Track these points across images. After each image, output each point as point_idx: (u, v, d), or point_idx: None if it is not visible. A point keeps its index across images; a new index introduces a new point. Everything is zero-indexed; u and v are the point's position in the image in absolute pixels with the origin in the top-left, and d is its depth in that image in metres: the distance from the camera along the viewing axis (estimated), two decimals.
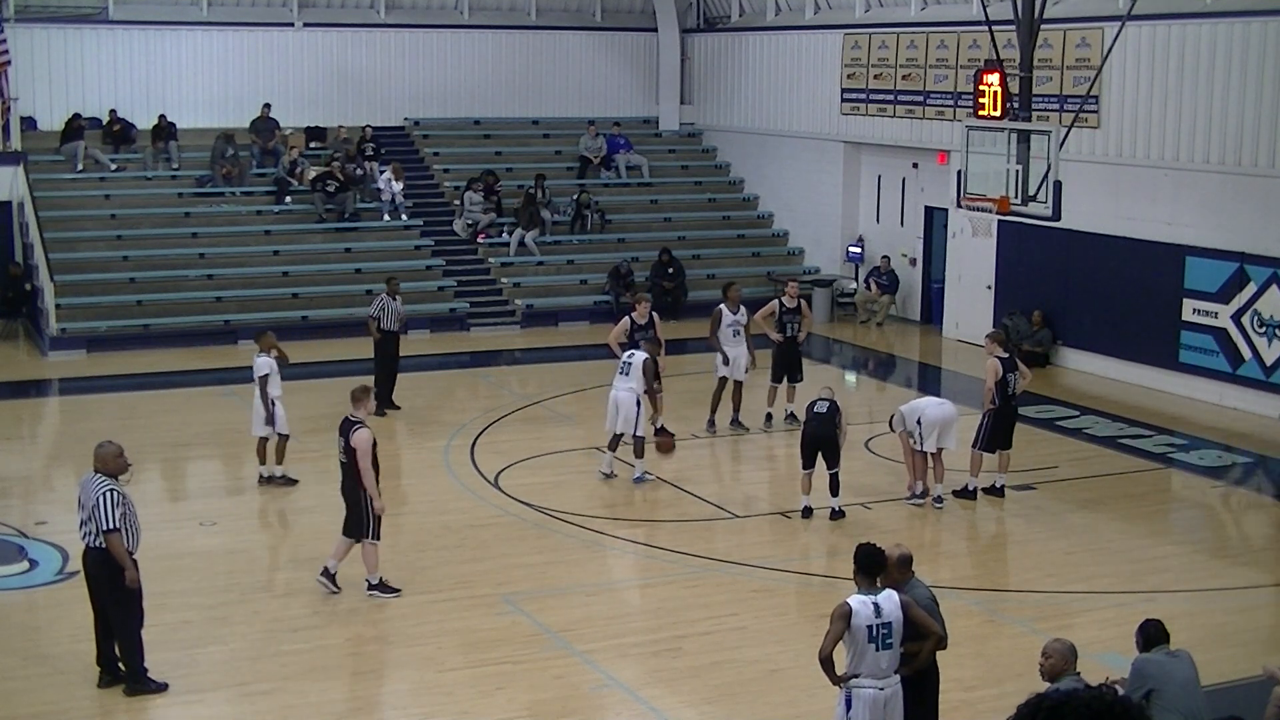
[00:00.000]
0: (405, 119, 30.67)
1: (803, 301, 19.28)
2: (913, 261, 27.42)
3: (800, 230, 29.71)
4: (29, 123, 27.17)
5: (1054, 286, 23.30)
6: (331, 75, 29.97)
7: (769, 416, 19.25)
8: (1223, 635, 12.35)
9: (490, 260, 27.91)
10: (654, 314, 18.37)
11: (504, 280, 27.49)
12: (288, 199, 27.62)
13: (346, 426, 12.93)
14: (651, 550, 14.69)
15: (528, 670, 11.65)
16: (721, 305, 18.97)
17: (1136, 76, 21.73)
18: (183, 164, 27.79)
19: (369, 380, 19.94)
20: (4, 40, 25.49)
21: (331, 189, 27.39)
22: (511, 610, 12.88)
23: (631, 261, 27.58)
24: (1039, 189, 17.18)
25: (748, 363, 18.85)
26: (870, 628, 8.77)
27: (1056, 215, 17.26)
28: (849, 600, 8.87)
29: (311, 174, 27.75)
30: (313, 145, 29.05)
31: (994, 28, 19.24)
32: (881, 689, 8.86)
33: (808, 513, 15.45)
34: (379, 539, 13.07)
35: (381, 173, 28.19)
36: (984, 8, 19.91)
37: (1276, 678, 9.42)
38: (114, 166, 27.37)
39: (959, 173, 18.50)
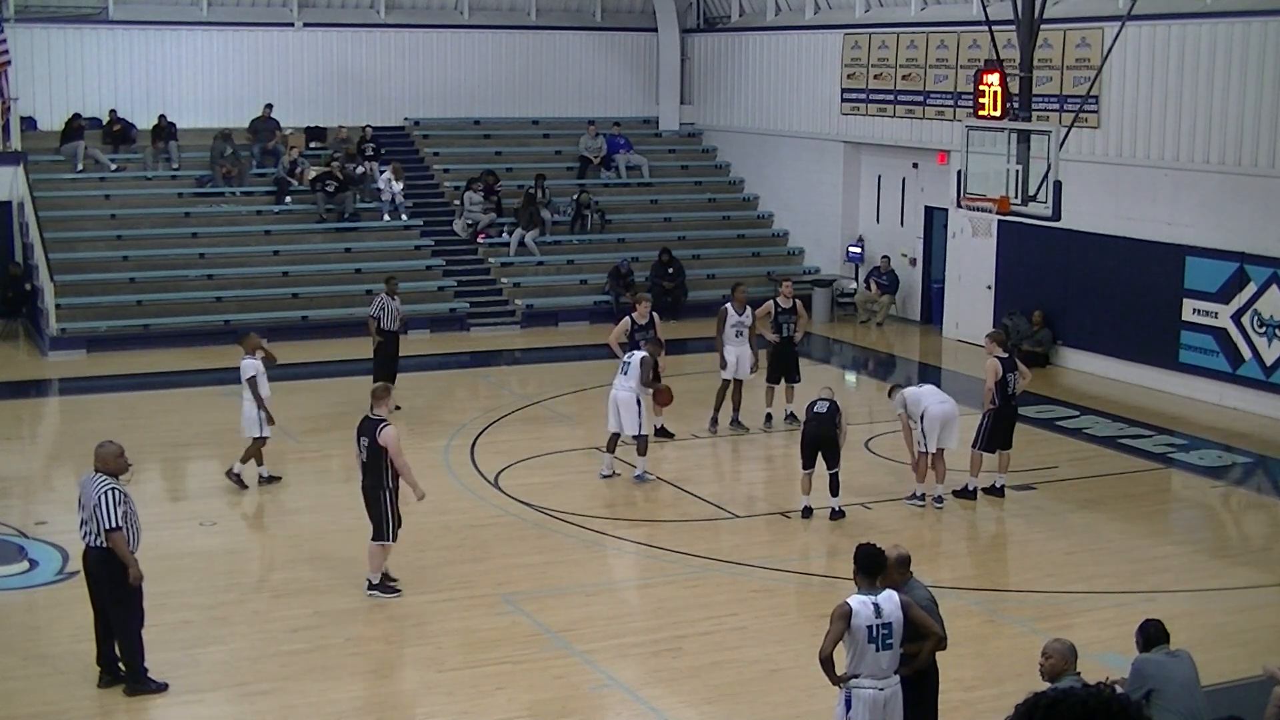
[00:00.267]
0: (405, 119, 30.68)
1: (798, 302, 19.27)
2: (913, 261, 27.42)
3: (800, 230, 29.71)
4: (29, 123, 27.18)
5: (1054, 286, 23.30)
6: (331, 75, 29.97)
7: (769, 417, 19.25)
8: (1223, 635, 12.35)
9: (490, 260, 27.91)
10: (654, 314, 18.37)
11: (504, 280, 27.50)
12: (288, 199, 27.62)
13: (370, 426, 12.89)
14: (651, 550, 14.69)
15: (528, 670, 11.65)
16: (728, 305, 18.96)
17: (1136, 76, 21.73)
18: (183, 164, 27.80)
19: (368, 380, 20.03)
20: (4, 40, 25.50)
21: (331, 189, 27.40)
22: (511, 610, 12.88)
23: (631, 261, 27.59)
24: (1039, 189, 17.17)
25: (751, 363, 18.86)
26: (870, 628, 8.77)
27: (1056, 215, 17.25)
28: (849, 600, 8.87)
29: (311, 174, 27.76)
30: (313, 145, 29.06)
31: (994, 28, 19.24)
32: (881, 689, 8.86)
33: (808, 513, 15.45)
34: (394, 541, 13.06)
35: (381, 173, 28.19)
36: (984, 8, 19.91)
37: (1276, 678, 9.42)
38: (114, 166, 27.37)
39: (959, 173, 18.50)
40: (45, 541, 14.53)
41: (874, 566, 9.01)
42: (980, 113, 18.28)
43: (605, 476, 16.89)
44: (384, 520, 12.95)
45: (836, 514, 15.39)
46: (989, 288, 24.62)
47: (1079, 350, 23.07)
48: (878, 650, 8.81)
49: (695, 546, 14.66)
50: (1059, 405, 20.66)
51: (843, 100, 27.96)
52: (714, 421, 18.97)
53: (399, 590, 13.21)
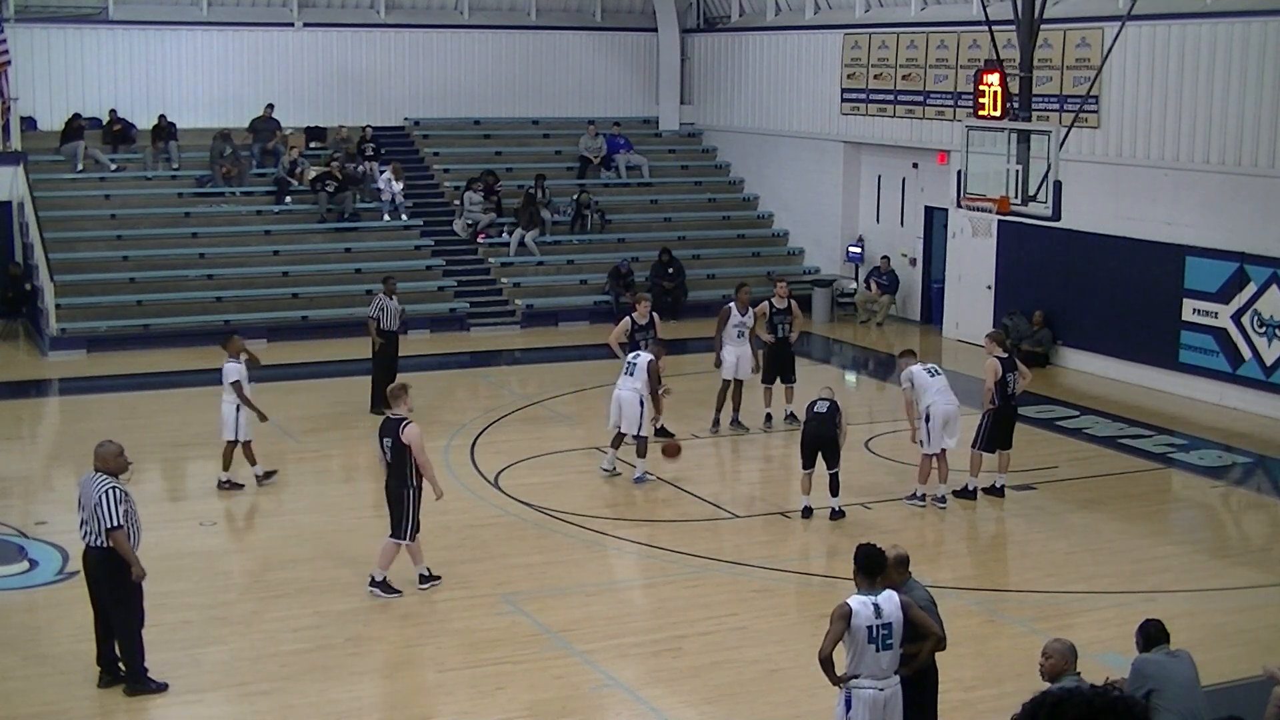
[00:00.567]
0: (405, 119, 30.68)
1: (793, 302, 19.26)
2: (913, 261, 27.42)
3: (800, 230, 29.71)
4: (29, 123, 27.18)
5: (1054, 286, 23.30)
6: (331, 75, 29.97)
7: (768, 417, 19.25)
8: (1223, 635, 12.35)
9: (490, 260, 27.92)
10: (654, 314, 18.36)
11: (504, 280, 27.50)
12: (288, 199, 27.63)
13: (392, 426, 12.91)
14: (651, 550, 14.69)
15: (528, 670, 11.65)
16: (731, 304, 18.97)
17: (1136, 76, 21.73)
18: (183, 164, 27.80)
19: (368, 381, 20.04)
20: (4, 40, 25.50)
21: (331, 189, 27.40)
22: (511, 610, 12.88)
23: (631, 261, 27.59)
24: (1039, 189, 17.17)
25: (751, 363, 18.86)
26: (870, 628, 8.77)
27: (1056, 215, 17.25)
28: (849, 601, 8.87)
29: (311, 174, 27.76)
30: (313, 145, 29.06)
31: (994, 28, 19.24)
32: (881, 689, 8.86)
33: (808, 513, 15.45)
34: (413, 542, 13.09)
35: (381, 173, 28.20)
36: (984, 8, 19.91)
37: (1276, 678, 9.42)
38: (114, 166, 27.37)
39: (959, 173, 18.49)
40: (45, 541, 14.53)
41: (874, 567, 9.01)
42: (980, 113, 18.28)
43: (606, 471, 16.89)
44: (404, 519, 12.97)
45: (836, 514, 15.39)
46: (989, 288, 24.63)
47: (1079, 350, 23.07)
48: (878, 650, 8.81)
49: (695, 546, 14.66)
50: (1059, 405, 20.66)
51: (843, 100, 27.96)
52: (715, 422, 18.97)
53: (399, 591, 13.21)
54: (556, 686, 11.39)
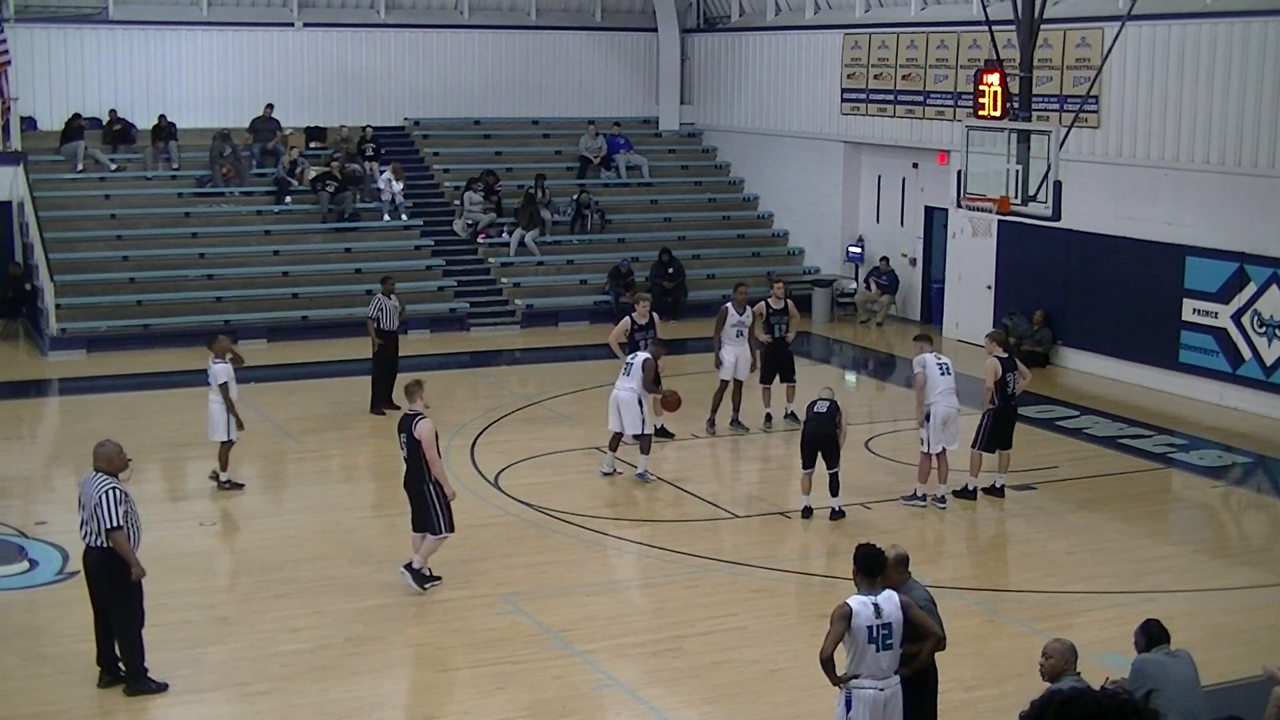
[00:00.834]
0: (405, 119, 30.68)
1: (790, 302, 19.26)
2: (913, 261, 27.42)
3: (800, 230, 29.71)
4: (29, 123, 27.18)
5: (1054, 286, 23.30)
6: (331, 75, 29.97)
7: (768, 417, 19.25)
8: (1223, 635, 12.35)
9: (490, 260, 27.92)
10: (654, 314, 18.36)
11: (504, 280, 27.50)
12: (288, 199, 27.63)
13: (407, 421, 12.98)
14: (651, 550, 14.69)
15: (528, 670, 11.65)
16: (728, 305, 18.97)
17: (1136, 76, 21.73)
18: (183, 164, 27.80)
19: (368, 381, 20.05)
20: (4, 40, 25.50)
21: (332, 189, 27.40)
22: (511, 610, 12.88)
23: (631, 261, 27.59)
24: (1039, 189, 17.17)
25: (750, 363, 18.86)
26: (870, 628, 8.77)
27: (1056, 215, 17.25)
28: (849, 601, 8.87)
29: (311, 174, 27.77)
30: (313, 145, 29.06)
31: (994, 28, 19.24)
32: (881, 690, 8.86)
33: (808, 513, 15.45)
34: (451, 531, 13.12)
35: (381, 173, 28.20)
36: (984, 8, 19.92)
37: (1276, 678, 9.42)
38: (114, 166, 27.38)
39: (959, 173, 18.49)
40: (45, 541, 14.52)
41: (874, 567, 9.01)
42: (980, 113, 18.28)
43: (606, 474, 16.90)
44: (433, 515, 13.01)
45: (836, 514, 15.39)
46: (989, 288, 24.63)
47: (1079, 350, 23.06)
48: (878, 650, 8.80)
49: (695, 546, 14.66)
50: (1059, 405, 20.66)
51: (843, 100, 27.96)
52: (711, 423, 18.95)
53: (439, 577, 13.18)
54: (556, 686, 11.39)
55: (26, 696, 11.11)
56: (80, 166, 26.97)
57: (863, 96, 27.44)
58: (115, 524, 10.78)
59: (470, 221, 28.28)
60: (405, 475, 13.17)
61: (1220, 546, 15.45)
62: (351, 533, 15.14)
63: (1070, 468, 17.69)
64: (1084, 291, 22.79)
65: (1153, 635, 9.11)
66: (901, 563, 9.35)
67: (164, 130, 27.79)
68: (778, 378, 19.16)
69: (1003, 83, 18.00)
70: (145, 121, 28.01)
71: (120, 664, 11.22)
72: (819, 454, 15.24)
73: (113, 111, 27.97)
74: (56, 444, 19.84)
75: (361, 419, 19.69)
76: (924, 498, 15.89)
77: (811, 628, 11.66)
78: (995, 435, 16.04)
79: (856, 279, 28.14)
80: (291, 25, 29.62)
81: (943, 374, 15.78)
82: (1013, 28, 18.56)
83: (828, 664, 8.85)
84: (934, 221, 26.77)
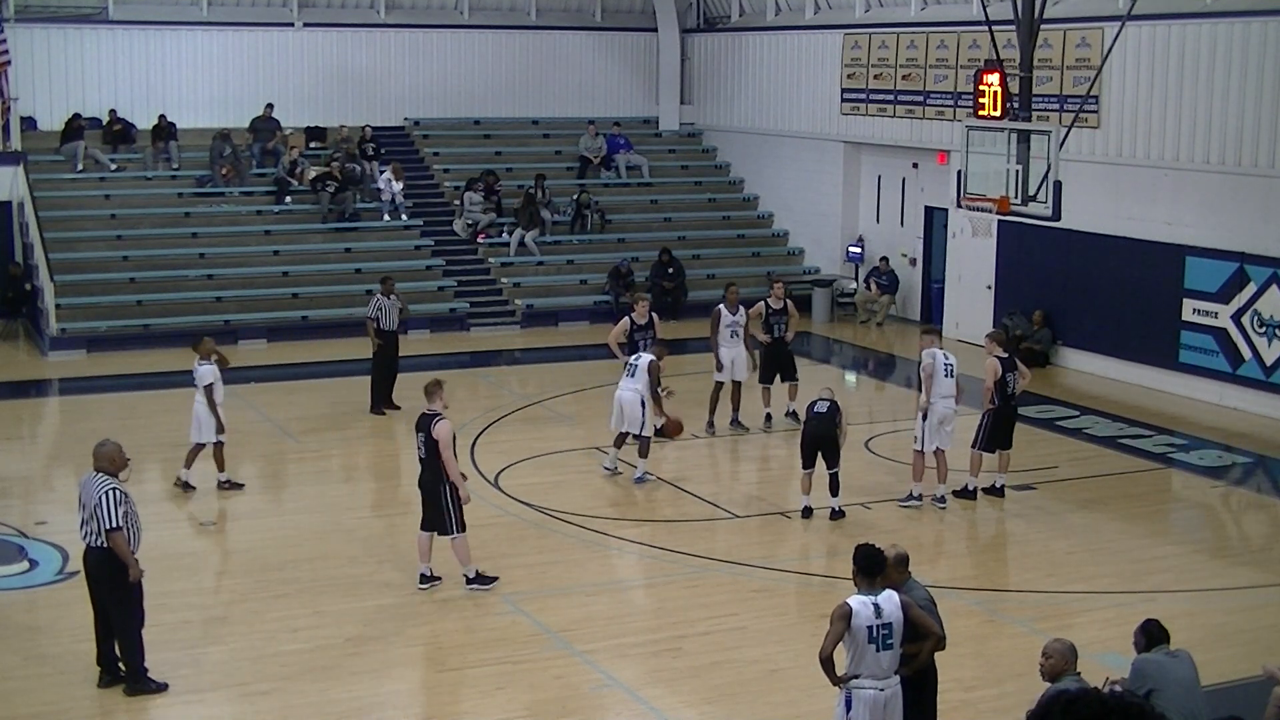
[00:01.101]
0: (405, 119, 30.68)
1: (789, 302, 19.26)
2: (913, 261, 27.42)
3: (800, 230, 29.71)
4: (29, 123, 27.18)
5: (1054, 286, 23.30)
6: (331, 75, 29.97)
7: (769, 417, 19.24)
8: (1223, 635, 12.35)
9: (490, 260, 27.92)
10: (653, 314, 18.36)
11: (504, 280, 27.50)
12: (288, 199, 27.62)
13: (425, 421, 12.99)
14: (651, 550, 14.69)
15: (528, 670, 11.65)
16: (720, 306, 18.97)
17: (1136, 76, 21.73)
18: (183, 164, 27.80)
19: (368, 381, 20.05)
20: (4, 40, 25.50)
21: (332, 189, 27.40)
22: (511, 610, 12.88)
23: (631, 261, 27.59)
24: (1039, 189, 17.17)
25: (746, 363, 18.85)
26: (870, 628, 8.77)
27: (1056, 215, 17.25)
28: (849, 601, 8.87)
29: (311, 174, 27.76)
30: (313, 145, 29.06)
31: (994, 28, 19.24)
32: (882, 690, 8.86)
33: (808, 513, 15.45)
34: (464, 530, 13.12)
35: (381, 173, 28.20)
36: (984, 8, 19.91)
37: (1276, 678, 9.42)
38: (114, 166, 27.38)
39: (959, 173, 18.49)
40: (45, 541, 14.53)
41: (873, 567, 9.01)
42: (980, 113, 18.28)
43: (608, 470, 16.91)
44: (446, 515, 13.01)
45: (836, 514, 15.39)
46: (989, 288, 24.62)
47: (1079, 350, 23.06)
48: (878, 650, 8.81)
49: (695, 546, 14.66)
50: (1059, 405, 20.66)
51: (843, 100, 27.96)
52: (711, 424, 18.94)
53: (496, 578, 13.26)
54: (556, 686, 11.39)
55: (26, 696, 11.11)
56: (80, 166, 26.97)
57: (863, 96, 27.44)
58: (114, 525, 10.78)
59: (470, 221, 28.28)
60: (421, 474, 13.16)
61: (1220, 546, 15.45)
62: (351, 533, 15.14)
63: (1070, 468, 17.69)
64: (1084, 291, 22.79)
65: (1153, 635, 9.11)
66: (901, 562, 9.35)
67: (164, 130, 27.79)
68: (778, 377, 19.16)
69: (1003, 83, 18.00)
70: (145, 121, 28.00)
71: (120, 664, 11.22)
72: (819, 454, 15.24)
73: (113, 111, 27.97)
74: (56, 444, 19.84)
75: (361, 419, 19.69)
76: (920, 497, 15.87)
77: (811, 628, 11.67)
78: (995, 435, 16.03)
79: (856, 279, 28.14)
80: (291, 25, 29.61)
81: (946, 375, 15.77)
82: (1013, 28, 18.56)
83: (827, 663, 8.86)
84: (934, 221, 26.76)
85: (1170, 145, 21.33)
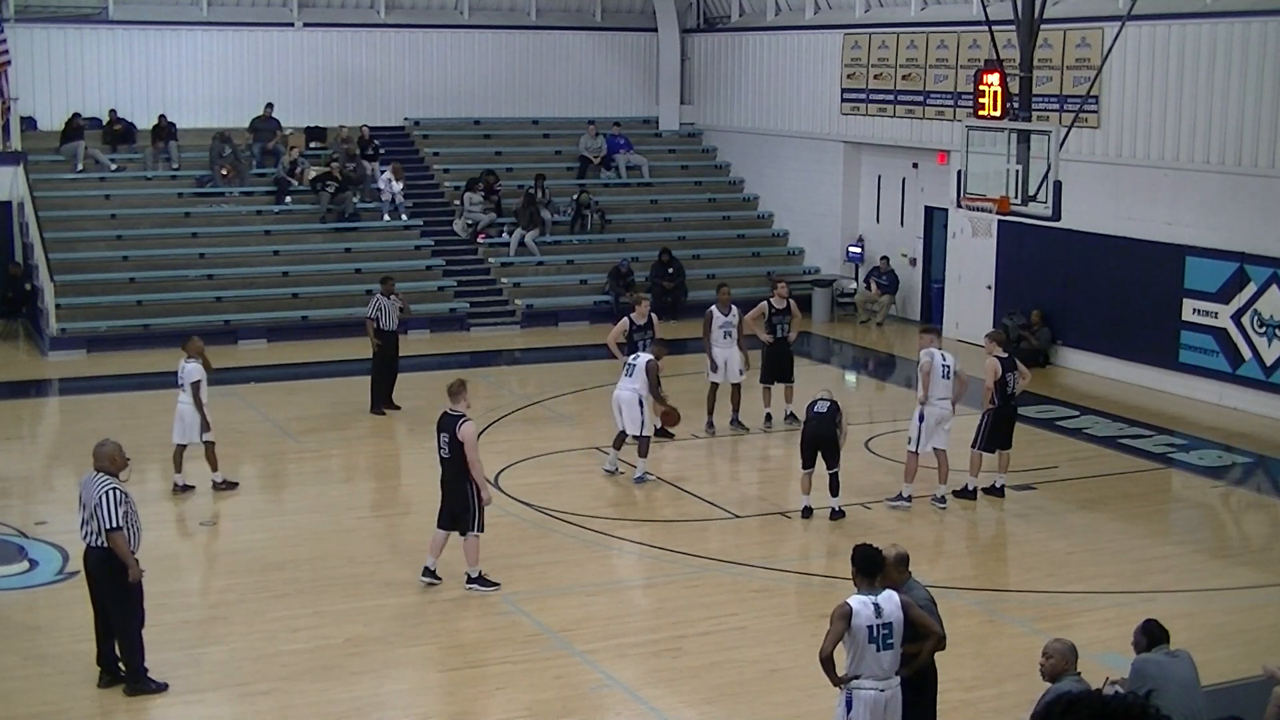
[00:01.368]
0: (405, 119, 30.68)
1: (792, 302, 19.25)
2: (913, 261, 27.42)
3: (800, 230, 29.71)
4: (29, 123, 27.18)
5: (1054, 286, 23.30)
6: (331, 75, 29.97)
7: (768, 417, 19.24)
8: (1223, 635, 12.35)
9: (490, 260, 27.92)
10: (653, 314, 18.36)
11: (504, 280, 27.50)
12: (288, 199, 27.63)
13: (450, 421, 12.98)
14: (651, 550, 14.69)
15: (528, 670, 11.65)
16: (713, 307, 18.97)
17: (1136, 76, 21.73)
18: (183, 164, 27.80)
19: (368, 381, 20.05)
20: (4, 40, 25.50)
21: (332, 189, 27.40)
22: (511, 610, 12.88)
23: (631, 261, 27.59)
24: (1039, 189, 17.17)
25: (741, 364, 18.82)
26: (871, 628, 8.77)
27: (1056, 215, 17.25)
28: (849, 600, 8.86)
29: (311, 174, 27.76)
30: (313, 145, 29.06)
31: (994, 28, 19.24)
32: (882, 690, 8.85)
33: (808, 513, 15.45)
34: (483, 531, 13.13)
35: (381, 173, 28.20)
36: (984, 8, 19.91)
37: (1276, 678, 9.42)
38: (114, 166, 27.38)
39: (959, 173, 18.50)
40: (45, 541, 14.53)
41: (872, 566, 9.01)
42: (980, 113, 18.28)
43: (609, 471, 16.92)
44: (470, 514, 13.02)
45: (836, 514, 15.39)
46: (989, 288, 24.62)
47: (1079, 350, 23.06)
48: (878, 650, 8.80)
49: (695, 546, 14.66)
50: (1059, 405, 20.66)
51: (843, 100, 27.96)
52: (710, 424, 18.94)
53: (498, 584, 13.24)
54: (556, 686, 11.39)
55: (26, 696, 11.11)
56: (80, 166, 26.97)
57: (863, 96, 27.44)
58: (115, 525, 10.78)
59: (470, 221, 28.28)
60: (444, 474, 13.14)
61: (1220, 546, 15.45)
62: (351, 533, 15.14)
63: (1070, 468, 17.69)
64: (1084, 291, 22.78)
65: (1153, 635, 9.11)
66: (901, 562, 9.35)
67: (164, 130, 27.79)
68: (778, 378, 19.14)
69: (1003, 83, 18.00)
70: (145, 121, 28.01)
71: (120, 664, 11.22)
72: (819, 454, 15.24)
73: (113, 111, 27.97)
74: (56, 444, 19.84)
75: (361, 419, 19.69)
76: (909, 499, 15.84)
77: (811, 628, 11.67)
78: (995, 435, 16.03)
79: (856, 279, 28.14)
80: (291, 25, 29.61)
81: (944, 376, 15.75)
82: (1013, 28, 18.56)
83: (827, 663, 8.86)
84: (934, 221, 26.77)
85: (1170, 145, 21.33)
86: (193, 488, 16.28)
